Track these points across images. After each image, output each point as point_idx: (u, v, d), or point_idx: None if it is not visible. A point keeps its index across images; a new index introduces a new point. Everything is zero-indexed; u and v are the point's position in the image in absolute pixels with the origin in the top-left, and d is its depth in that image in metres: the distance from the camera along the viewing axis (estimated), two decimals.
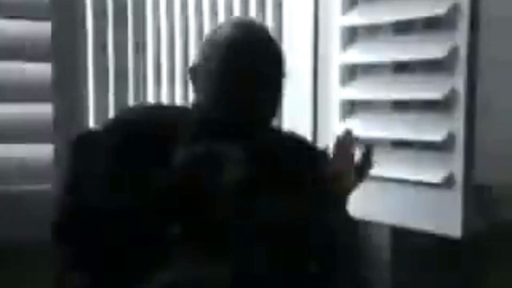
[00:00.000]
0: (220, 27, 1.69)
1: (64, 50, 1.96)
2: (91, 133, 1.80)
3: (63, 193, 1.66)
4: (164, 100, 2.31)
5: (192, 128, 1.66)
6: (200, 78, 1.66)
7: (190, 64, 1.72)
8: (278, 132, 1.84)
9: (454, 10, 1.92)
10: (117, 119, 1.74)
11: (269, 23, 2.42)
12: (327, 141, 2.17)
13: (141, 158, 1.60)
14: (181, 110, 1.81)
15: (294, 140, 1.82)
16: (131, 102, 2.26)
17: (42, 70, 1.96)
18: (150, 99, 2.29)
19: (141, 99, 2.26)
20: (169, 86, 2.32)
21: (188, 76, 1.70)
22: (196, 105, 1.70)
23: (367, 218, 2.13)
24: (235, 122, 1.61)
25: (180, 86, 2.31)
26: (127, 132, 1.65)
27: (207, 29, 2.33)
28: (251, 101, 1.61)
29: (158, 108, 1.85)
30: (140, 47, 2.25)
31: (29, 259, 1.89)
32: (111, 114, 2.22)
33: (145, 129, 1.64)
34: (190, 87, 1.77)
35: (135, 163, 1.60)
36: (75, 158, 1.70)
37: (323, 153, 1.76)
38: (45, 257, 1.66)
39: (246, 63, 1.60)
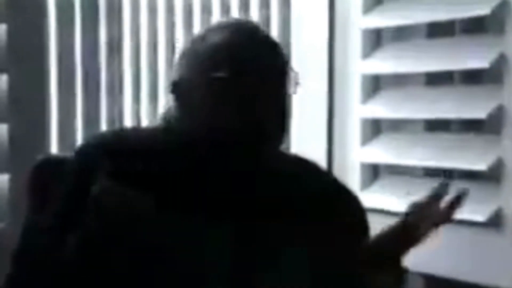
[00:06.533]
0: (206, 34, 1.58)
1: (23, 60, 1.91)
2: (53, 161, 1.69)
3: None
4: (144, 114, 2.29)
5: (178, 154, 1.54)
6: (187, 93, 1.55)
7: (173, 77, 1.62)
8: (285, 156, 1.71)
9: (502, 9, 1.80)
10: (89, 148, 1.59)
11: (275, 23, 2.40)
12: (344, 171, 2.12)
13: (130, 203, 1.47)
14: (161, 134, 1.65)
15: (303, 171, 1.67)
16: (103, 119, 2.21)
17: None
18: (127, 113, 2.25)
19: (115, 115, 2.22)
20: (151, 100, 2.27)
21: (170, 90, 1.59)
22: (179, 121, 1.57)
23: None
24: (236, 145, 1.51)
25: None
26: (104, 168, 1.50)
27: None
28: (256, 120, 1.51)
29: (136, 132, 1.72)
30: (114, 54, 2.19)
31: None
32: (79, 135, 2.17)
33: (127, 163, 1.52)
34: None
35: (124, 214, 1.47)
36: (33, 193, 1.59)
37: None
38: None
39: (249, 75, 1.50)
